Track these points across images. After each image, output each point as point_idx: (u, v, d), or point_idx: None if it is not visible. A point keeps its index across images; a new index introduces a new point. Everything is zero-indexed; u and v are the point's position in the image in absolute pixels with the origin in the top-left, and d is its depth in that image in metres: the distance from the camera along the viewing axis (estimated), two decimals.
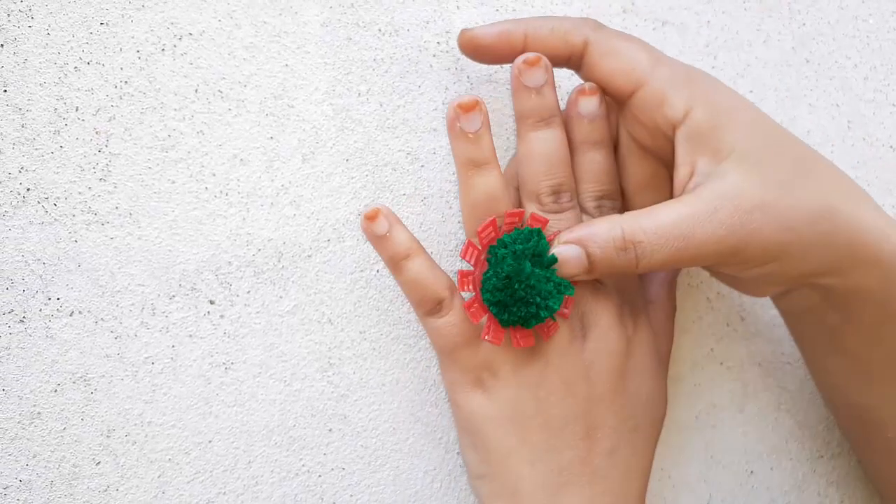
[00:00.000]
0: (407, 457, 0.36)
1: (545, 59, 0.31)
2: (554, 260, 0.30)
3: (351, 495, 0.35)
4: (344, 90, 0.34)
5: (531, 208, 0.33)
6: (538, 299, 0.30)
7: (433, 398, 0.36)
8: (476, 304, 0.31)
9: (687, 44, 0.39)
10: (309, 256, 0.34)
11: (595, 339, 0.32)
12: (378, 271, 0.35)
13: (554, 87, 0.32)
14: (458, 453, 0.36)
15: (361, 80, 0.35)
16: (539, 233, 0.31)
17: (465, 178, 0.32)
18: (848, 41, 0.42)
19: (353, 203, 0.35)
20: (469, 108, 0.31)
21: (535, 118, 0.32)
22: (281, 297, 0.34)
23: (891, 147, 0.43)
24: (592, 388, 0.32)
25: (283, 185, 0.34)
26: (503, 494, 0.32)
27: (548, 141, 0.32)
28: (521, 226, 0.32)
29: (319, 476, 0.35)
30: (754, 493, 0.41)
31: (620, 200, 0.34)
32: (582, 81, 0.33)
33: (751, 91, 0.40)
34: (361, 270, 0.35)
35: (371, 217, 0.33)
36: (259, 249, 0.33)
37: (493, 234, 0.31)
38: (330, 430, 0.35)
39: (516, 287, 0.30)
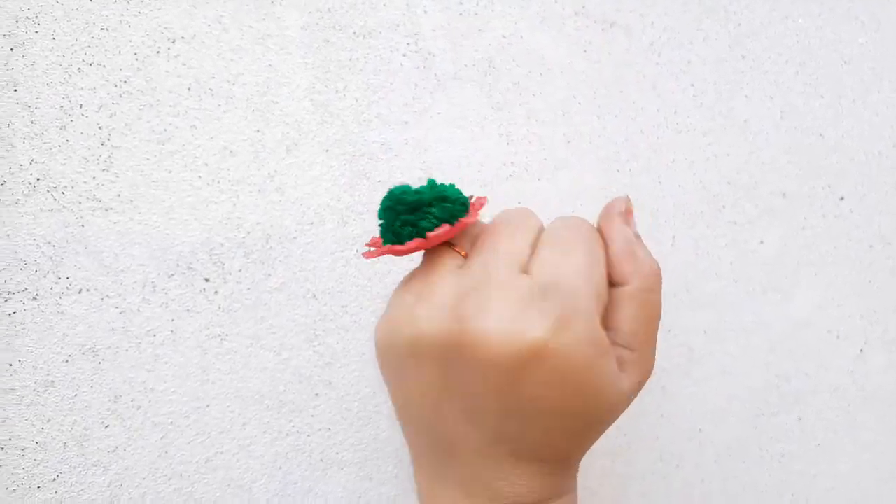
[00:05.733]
0: (386, 418, 0.38)
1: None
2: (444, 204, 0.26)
3: (336, 453, 0.37)
4: (323, 87, 0.36)
5: None
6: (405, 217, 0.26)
7: None
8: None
9: (633, 43, 0.40)
10: (294, 238, 0.36)
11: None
12: (356, 251, 0.37)
13: None
14: None
15: (338, 78, 0.36)
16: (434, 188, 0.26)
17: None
18: (779, 39, 0.43)
19: (332, 189, 0.36)
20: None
21: None
22: (269, 275, 0.36)
23: (820, 135, 0.44)
24: None
25: (269, 174, 0.35)
26: None
27: None
28: None
29: (308, 436, 0.37)
30: (701, 448, 0.43)
31: None
32: None
33: (692, 85, 0.41)
34: (342, 250, 0.37)
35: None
36: (248, 232, 0.35)
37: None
38: (316, 395, 0.37)
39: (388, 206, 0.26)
